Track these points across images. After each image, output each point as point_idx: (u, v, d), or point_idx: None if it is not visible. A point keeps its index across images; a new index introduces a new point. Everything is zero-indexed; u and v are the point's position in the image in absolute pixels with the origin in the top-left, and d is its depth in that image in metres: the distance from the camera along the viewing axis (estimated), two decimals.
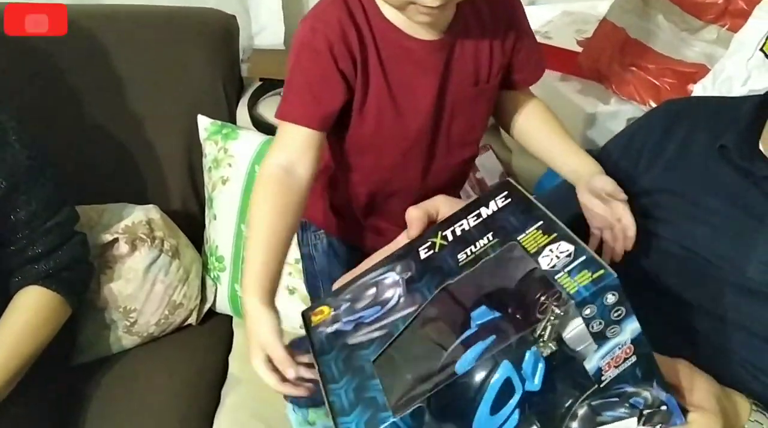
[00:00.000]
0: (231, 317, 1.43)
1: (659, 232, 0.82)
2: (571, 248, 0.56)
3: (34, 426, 1.07)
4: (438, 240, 0.66)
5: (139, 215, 1.27)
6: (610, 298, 0.53)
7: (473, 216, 0.65)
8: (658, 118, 0.92)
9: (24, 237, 1.04)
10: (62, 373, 1.20)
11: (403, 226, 0.98)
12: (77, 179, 1.27)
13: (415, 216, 0.69)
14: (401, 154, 0.91)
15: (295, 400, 1.15)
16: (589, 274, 0.53)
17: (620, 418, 0.60)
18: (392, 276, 0.66)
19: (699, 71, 1.19)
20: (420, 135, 0.90)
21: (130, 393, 1.22)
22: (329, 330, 0.65)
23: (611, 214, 0.86)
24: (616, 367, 0.56)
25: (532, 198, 0.64)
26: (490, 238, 0.62)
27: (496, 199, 0.65)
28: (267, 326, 0.78)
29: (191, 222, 1.43)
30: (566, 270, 0.54)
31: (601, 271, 0.53)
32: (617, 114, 1.19)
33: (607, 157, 0.94)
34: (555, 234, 0.58)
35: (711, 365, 0.75)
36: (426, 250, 0.66)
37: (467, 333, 0.57)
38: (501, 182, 0.67)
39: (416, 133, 0.90)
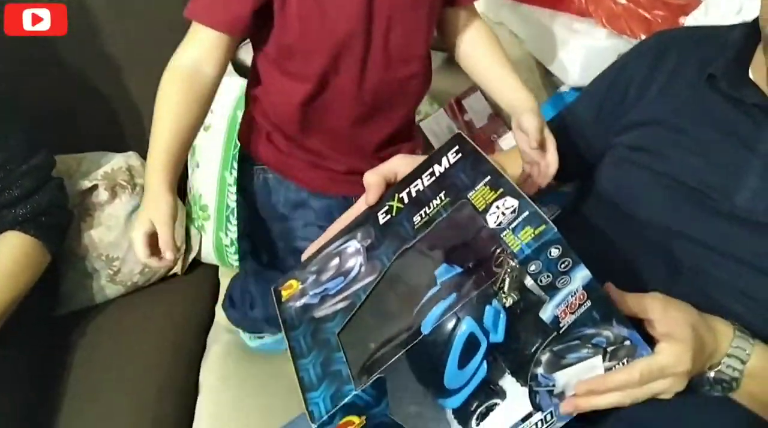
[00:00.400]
0: (217, 266, 1.41)
1: (649, 164, 0.82)
2: (516, 203, 0.57)
3: (18, 377, 1.05)
4: (395, 204, 0.65)
5: (119, 162, 1.25)
6: (554, 252, 0.54)
7: (427, 175, 0.65)
8: (647, 49, 0.91)
9: (2, 180, 1.01)
10: (46, 324, 1.19)
11: (344, 153, 0.97)
12: (55, 128, 1.24)
13: (373, 181, 0.68)
14: (331, 57, 0.88)
15: (247, 329, 1.23)
16: (531, 230, 0.54)
17: (584, 358, 0.62)
18: (354, 245, 0.66)
19: (691, 3, 1.17)
20: (350, 40, 0.87)
21: (116, 342, 1.20)
22: (298, 304, 0.66)
23: (537, 152, 0.88)
24: (572, 313, 0.58)
25: (481, 151, 0.64)
26: (442, 198, 0.62)
27: (448, 154, 0.65)
28: (165, 206, 0.85)
29: None
30: (510, 227, 0.56)
31: (542, 227, 0.54)
32: (609, 48, 1.16)
33: (596, 92, 0.93)
34: (501, 190, 0.58)
35: (699, 293, 0.75)
36: (384, 215, 0.66)
37: (431, 292, 0.59)
38: (453, 136, 0.66)
39: (344, 36, 0.87)
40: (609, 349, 0.62)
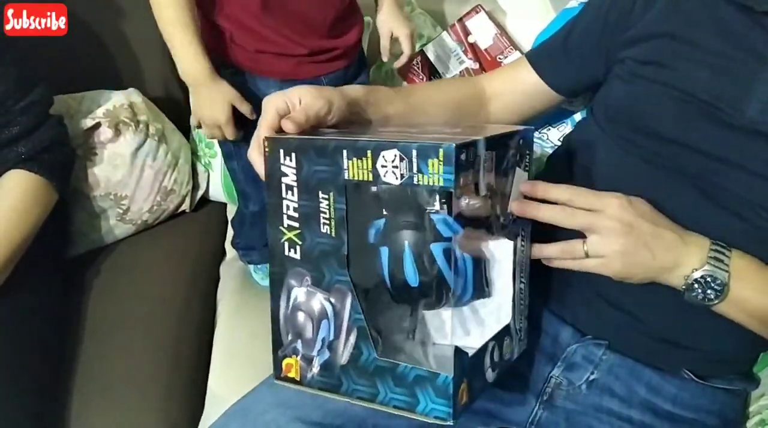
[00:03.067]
0: (224, 203, 1.41)
1: (659, 78, 0.80)
2: (395, 152, 0.59)
3: (34, 320, 1.05)
4: (289, 235, 0.65)
5: (120, 99, 1.23)
6: (463, 156, 0.58)
7: (287, 192, 0.64)
8: None
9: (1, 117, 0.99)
10: (58, 265, 1.19)
11: (305, 36, 1.04)
12: (52, 68, 1.21)
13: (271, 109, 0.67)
14: None
15: (251, 260, 1.26)
16: (436, 160, 0.58)
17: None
18: (299, 293, 0.66)
19: None
20: None
21: (130, 280, 1.22)
22: (315, 371, 0.66)
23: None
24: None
25: (302, 135, 0.65)
26: (326, 197, 0.62)
27: (283, 163, 0.64)
28: (229, 90, 1.02)
29: (175, 108, 1.38)
30: (416, 171, 0.58)
31: (441, 151, 0.57)
32: None
33: (602, 3, 0.90)
34: (369, 151, 0.60)
35: (712, 205, 0.76)
36: (290, 250, 0.65)
37: (383, 254, 0.64)
38: (266, 141, 0.65)
39: None
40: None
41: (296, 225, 0.64)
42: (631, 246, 0.69)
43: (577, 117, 1.12)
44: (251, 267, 1.29)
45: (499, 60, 1.24)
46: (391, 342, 0.66)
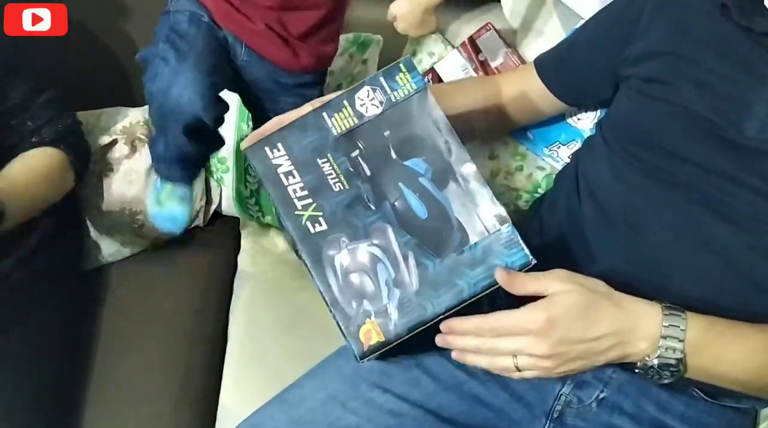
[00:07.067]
0: (237, 218, 1.42)
1: (662, 96, 0.82)
2: (366, 88, 0.69)
3: (49, 331, 1.07)
4: (306, 213, 0.68)
5: (137, 116, 1.26)
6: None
7: (289, 178, 0.69)
8: None
9: (21, 116, 1.03)
10: (72, 279, 1.20)
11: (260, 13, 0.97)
12: (70, 84, 1.22)
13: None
14: None
15: (161, 171, 1.11)
16: (401, 74, 0.69)
17: None
18: (342, 258, 0.67)
19: None
20: None
21: (143, 294, 1.23)
22: (395, 317, 0.67)
23: None
24: None
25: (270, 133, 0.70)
26: (327, 159, 0.69)
27: (272, 158, 0.69)
28: None
29: None
30: (389, 91, 0.69)
31: (400, 65, 0.70)
32: None
33: (608, 15, 0.92)
34: (345, 101, 0.69)
35: (715, 219, 0.77)
36: (315, 225, 0.68)
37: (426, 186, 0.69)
38: (247, 151, 0.70)
39: None
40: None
41: (309, 201, 0.68)
42: (562, 360, 0.67)
43: (587, 134, 1.13)
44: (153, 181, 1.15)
45: None
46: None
